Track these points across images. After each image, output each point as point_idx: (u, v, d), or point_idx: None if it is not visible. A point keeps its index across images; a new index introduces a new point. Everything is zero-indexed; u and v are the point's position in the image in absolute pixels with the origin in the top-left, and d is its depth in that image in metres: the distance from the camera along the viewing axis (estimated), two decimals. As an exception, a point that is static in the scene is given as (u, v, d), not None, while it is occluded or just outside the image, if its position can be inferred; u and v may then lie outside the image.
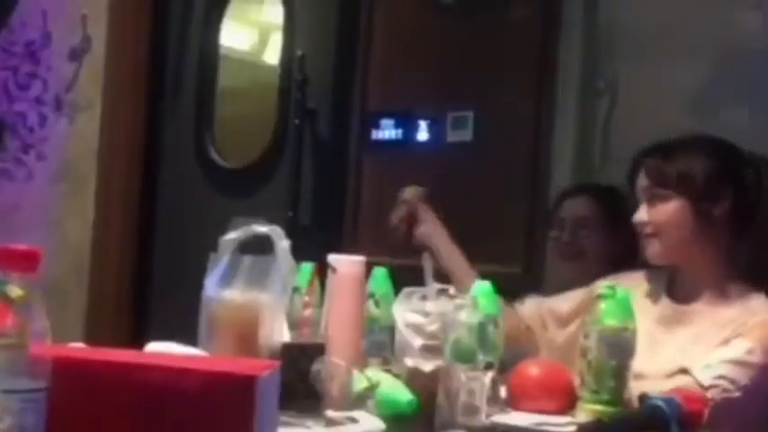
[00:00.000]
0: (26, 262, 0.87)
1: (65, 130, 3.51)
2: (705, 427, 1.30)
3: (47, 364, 0.87)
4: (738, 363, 1.54)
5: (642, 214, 1.72)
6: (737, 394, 1.52)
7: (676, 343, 1.46)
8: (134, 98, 3.47)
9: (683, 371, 1.54)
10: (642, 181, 1.72)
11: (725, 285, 1.68)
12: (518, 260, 2.56)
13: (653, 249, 1.71)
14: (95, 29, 3.44)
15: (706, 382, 1.51)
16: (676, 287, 1.73)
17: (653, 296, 1.74)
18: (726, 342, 1.60)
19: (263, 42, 3.47)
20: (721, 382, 1.51)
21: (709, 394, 1.48)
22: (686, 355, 1.57)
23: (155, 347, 1.37)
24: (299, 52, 3.04)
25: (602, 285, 1.60)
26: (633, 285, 1.71)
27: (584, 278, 1.99)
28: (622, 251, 1.99)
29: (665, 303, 1.71)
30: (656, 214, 1.70)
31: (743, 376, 1.53)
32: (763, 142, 2.02)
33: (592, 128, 2.65)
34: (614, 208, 2.13)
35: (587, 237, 2.21)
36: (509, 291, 1.81)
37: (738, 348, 1.56)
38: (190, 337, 1.42)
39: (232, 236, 1.45)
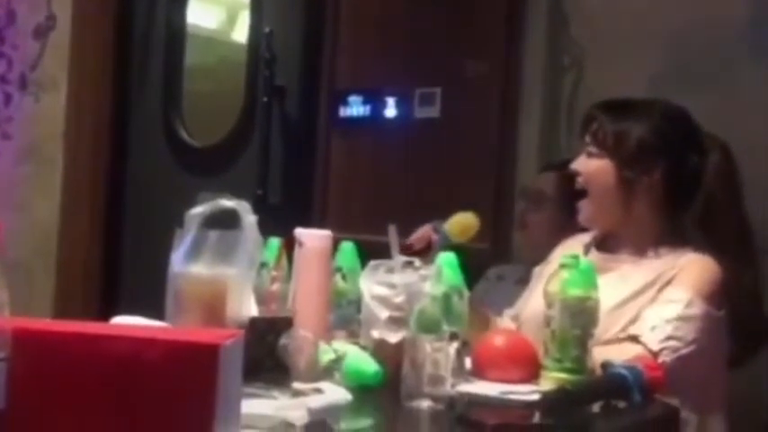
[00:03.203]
0: (-15, 234, 0.87)
1: (30, 109, 3.47)
2: (664, 391, 1.32)
3: (5, 335, 0.87)
4: (681, 319, 1.56)
5: (576, 163, 1.75)
6: (687, 350, 1.54)
7: (603, 289, 1.47)
8: (101, 76, 3.44)
9: (633, 338, 1.56)
10: (587, 134, 1.75)
11: (656, 245, 1.70)
12: (485, 235, 2.57)
13: (584, 212, 1.75)
14: (60, 6, 3.40)
15: (655, 347, 1.53)
16: (606, 242, 1.77)
17: (584, 251, 1.77)
18: (655, 287, 1.62)
19: (230, 20, 3.45)
20: (670, 343, 1.54)
21: (660, 359, 1.51)
22: (611, 297, 1.58)
23: (120, 321, 1.37)
24: (266, 29, 3.03)
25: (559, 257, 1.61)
26: (571, 248, 1.75)
27: (525, 249, 2.22)
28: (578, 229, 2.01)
29: (593, 254, 1.75)
30: (588, 166, 1.73)
31: (689, 331, 1.55)
32: (723, 117, 2.05)
33: (557, 104, 2.67)
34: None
35: (535, 211, 2.26)
36: (477, 265, 1.83)
37: (678, 303, 1.58)
38: (159, 317, 1.42)
39: (198, 210, 1.44)
